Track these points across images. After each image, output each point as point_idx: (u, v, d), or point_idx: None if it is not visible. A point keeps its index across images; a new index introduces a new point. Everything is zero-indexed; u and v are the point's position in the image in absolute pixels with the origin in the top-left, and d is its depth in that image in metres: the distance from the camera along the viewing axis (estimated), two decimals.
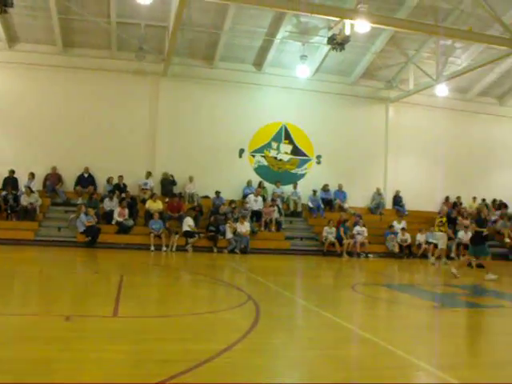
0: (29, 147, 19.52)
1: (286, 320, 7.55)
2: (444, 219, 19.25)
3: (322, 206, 21.51)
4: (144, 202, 19.62)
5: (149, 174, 20.42)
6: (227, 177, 21.16)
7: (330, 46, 18.27)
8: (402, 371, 5.16)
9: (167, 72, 20.43)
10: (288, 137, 21.99)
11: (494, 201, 24.30)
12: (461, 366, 5.47)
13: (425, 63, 21.37)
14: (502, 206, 23.77)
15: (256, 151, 21.81)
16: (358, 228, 19.83)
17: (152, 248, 17.87)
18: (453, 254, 19.94)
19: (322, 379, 4.88)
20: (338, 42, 17.35)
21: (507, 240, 20.89)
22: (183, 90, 21.04)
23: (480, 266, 15.46)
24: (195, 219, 18.94)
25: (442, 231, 18.89)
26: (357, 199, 22.44)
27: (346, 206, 21.85)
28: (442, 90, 21.11)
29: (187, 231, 18.43)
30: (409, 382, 4.92)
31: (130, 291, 9.47)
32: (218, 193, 20.51)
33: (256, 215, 20.10)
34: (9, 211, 17.94)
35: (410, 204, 22.90)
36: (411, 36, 19.85)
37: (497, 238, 20.92)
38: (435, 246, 20.12)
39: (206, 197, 20.89)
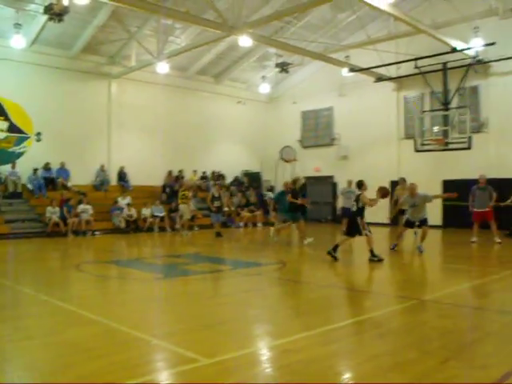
0: None
1: (2, 311, 7.12)
2: (186, 192, 19.88)
3: (44, 185, 20.47)
4: None
5: None
6: None
7: (47, 16, 17.33)
8: (126, 346, 5.34)
9: None
10: (3, 113, 20.12)
11: (213, 173, 26.11)
12: (178, 332, 5.89)
13: (147, 41, 21.62)
14: (219, 177, 25.73)
15: None
16: (82, 206, 19.45)
17: None
18: (177, 225, 20.96)
19: (42, 368, 4.79)
20: (55, 13, 16.49)
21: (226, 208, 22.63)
22: None
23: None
24: None
25: (184, 203, 19.51)
26: (81, 176, 21.85)
27: (69, 184, 21.15)
28: (162, 67, 21.67)
29: None
30: (132, 353, 5.08)
31: None
32: None
33: None
34: None
35: (134, 179, 23.20)
36: (134, 13, 19.84)
37: None
38: (161, 219, 20.93)
39: None
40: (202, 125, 25.84)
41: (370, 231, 11.76)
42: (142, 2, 16.66)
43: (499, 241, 15.24)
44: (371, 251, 11.64)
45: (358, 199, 11.87)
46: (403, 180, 17.22)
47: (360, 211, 11.83)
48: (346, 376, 4.63)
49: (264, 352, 5.35)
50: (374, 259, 11.54)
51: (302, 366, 4.71)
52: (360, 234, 11.77)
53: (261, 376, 4.57)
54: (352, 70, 21.70)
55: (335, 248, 11.72)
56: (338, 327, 6.11)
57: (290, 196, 15.67)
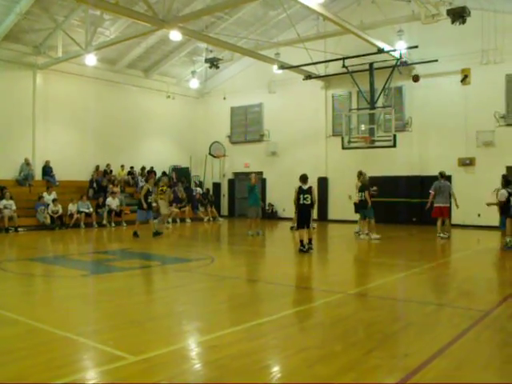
0: None
1: None
2: (164, 188, 19.48)
3: None
4: None
5: None
6: None
7: None
8: (50, 346, 5.20)
9: None
10: None
11: (143, 168, 25.73)
12: (104, 330, 5.80)
13: (74, 31, 21.03)
14: (149, 173, 25.38)
15: None
16: (4, 201, 18.70)
17: None
18: (105, 221, 20.60)
19: None
20: None
21: None
22: None
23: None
24: None
25: (162, 199, 19.05)
26: (3, 171, 20.96)
27: None
28: (90, 59, 21.15)
29: None
30: (57, 353, 4.96)
31: None
32: None
33: None
34: None
35: (60, 174, 22.49)
36: (60, 1, 19.31)
37: None
38: (86, 214, 20.46)
39: None
40: (131, 119, 25.45)
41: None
42: None
43: (447, 236, 15.88)
44: (309, 241, 12.23)
45: (310, 192, 12.31)
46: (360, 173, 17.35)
47: (313, 204, 12.32)
48: (274, 369, 4.70)
49: (192, 348, 5.35)
50: (304, 249, 12.03)
51: (230, 361, 4.74)
52: (308, 226, 12.16)
53: (189, 372, 4.57)
54: (282, 67, 21.96)
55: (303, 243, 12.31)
56: (266, 321, 6.18)
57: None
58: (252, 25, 23.66)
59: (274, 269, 10.88)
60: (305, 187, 12.43)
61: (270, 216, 25.35)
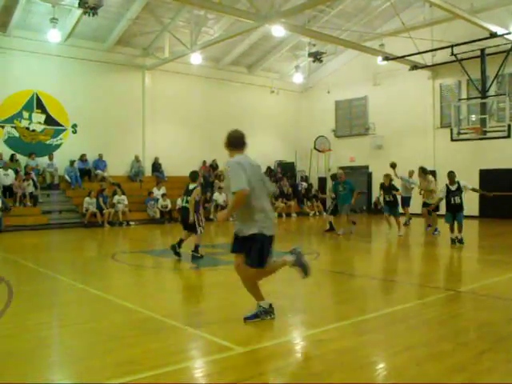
0: None
1: (40, 299, 7.28)
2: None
3: (80, 176, 20.81)
4: None
5: None
6: None
7: (82, 10, 17.53)
8: (161, 334, 5.39)
9: None
10: (41, 106, 20.55)
11: None
12: (211, 321, 5.88)
13: (180, 32, 21.74)
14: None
15: (5, 121, 19.95)
16: (117, 197, 19.72)
17: None
18: (211, 216, 21.11)
19: (80, 354, 4.89)
20: (90, 6, 16.72)
21: None
22: None
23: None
24: None
25: None
26: (116, 167, 22.18)
27: (105, 174, 21.48)
28: (196, 58, 21.78)
29: None
30: (167, 341, 5.13)
31: None
32: None
33: (9, 190, 18.70)
34: None
35: (169, 170, 23.39)
36: (166, 4, 20.02)
37: None
38: None
39: None
40: (236, 115, 25.78)
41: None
42: None
43: None
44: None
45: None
46: (423, 170, 16.63)
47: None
48: (380, 366, 4.59)
49: (297, 342, 5.35)
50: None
51: (335, 355, 4.69)
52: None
53: (294, 365, 4.57)
54: (386, 58, 21.36)
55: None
56: (372, 317, 6.05)
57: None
58: (355, 16, 23.26)
59: (380, 264, 10.64)
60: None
61: (377, 211, 24.79)
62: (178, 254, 10.74)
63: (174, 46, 22.05)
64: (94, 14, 16.70)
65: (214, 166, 24.71)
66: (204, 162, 24.61)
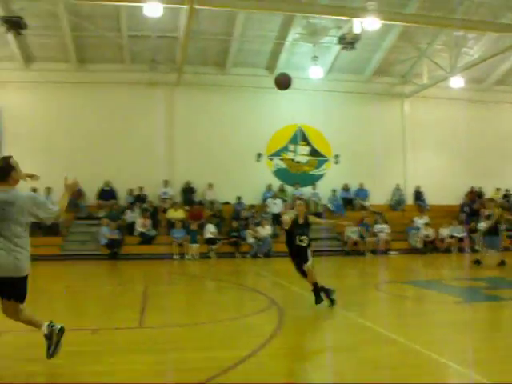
0: (49, 163, 18.98)
1: (309, 323, 7.60)
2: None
3: (342, 205, 21.44)
4: (165, 211, 19.82)
5: (166, 183, 20.62)
6: (247, 182, 21.22)
7: (340, 46, 18.29)
8: (425, 369, 5.18)
9: (180, 81, 20.62)
10: (304, 138, 22.03)
11: None
12: (481, 361, 5.45)
13: (438, 56, 21.18)
14: None
15: (274, 154, 21.86)
16: (378, 226, 19.76)
17: (175, 256, 18.05)
18: (477, 246, 19.77)
19: (348, 380, 4.94)
20: (348, 41, 17.40)
21: None
22: (197, 97, 21.13)
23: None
24: (217, 226, 19.09)
25: None
26: (377, 196, 22.33)
27: (366, 204, 21.78)
28: (456, 81, 20.86)
29: (209, 238, 18.57)
30: (433, 379, 4.92)
31: (155, 301, 9.59)
32: (239, 198, 20.64)
33: (277, 218, 20.12)
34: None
35: (431, 198, 22.68)
36: (422, 29, 19.71)
37: None
38: (459, 239, 20.01)
39: (227, 203, 20.99)
40: (505, 138, 23.98)
41: None
42: (430, 18, 16.45)
43: None
44: None
45: None
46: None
47: None
48: None
49: None
50: None
51: None
52: None
53: None
54: None
55: None
56: None
57: None
58: None
59: None
60: None
61: None
62: None
63: (433, 70, 21.51)
64: (351, 48, 17.29)
65: (479, 195, 23.20)
66: (471, 189, 23.29)
